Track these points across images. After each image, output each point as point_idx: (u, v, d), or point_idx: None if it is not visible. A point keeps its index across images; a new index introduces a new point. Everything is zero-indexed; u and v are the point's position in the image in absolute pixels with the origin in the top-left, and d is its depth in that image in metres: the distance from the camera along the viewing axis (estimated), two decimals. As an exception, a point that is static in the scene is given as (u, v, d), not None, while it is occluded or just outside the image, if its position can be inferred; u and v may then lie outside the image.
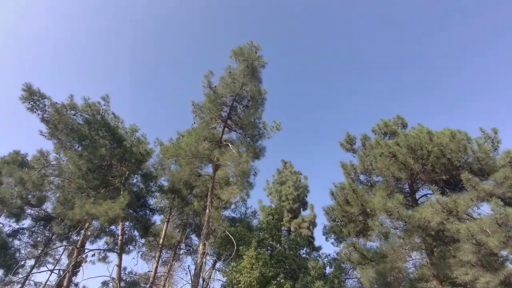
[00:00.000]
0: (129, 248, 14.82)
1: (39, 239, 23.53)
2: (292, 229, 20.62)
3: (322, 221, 24.05)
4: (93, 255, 25.22)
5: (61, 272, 26.02)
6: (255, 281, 11.21)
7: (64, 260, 27.09)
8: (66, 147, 11.35)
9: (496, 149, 13.50)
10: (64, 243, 25.52)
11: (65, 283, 15.00)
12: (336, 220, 15.93)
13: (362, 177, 18.41)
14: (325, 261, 15.27)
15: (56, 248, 23.36)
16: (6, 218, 21.78)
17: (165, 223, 14.55)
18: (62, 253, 25.94)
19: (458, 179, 15.22)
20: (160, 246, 14.22)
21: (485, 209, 13.64)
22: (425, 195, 16.72)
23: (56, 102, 11.50)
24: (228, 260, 11.97)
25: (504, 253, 11.48)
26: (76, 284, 25.55)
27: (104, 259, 18.65)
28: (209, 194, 13.24)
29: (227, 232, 12.29)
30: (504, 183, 11.79)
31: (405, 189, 16.68)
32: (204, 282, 22.75)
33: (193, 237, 24.91)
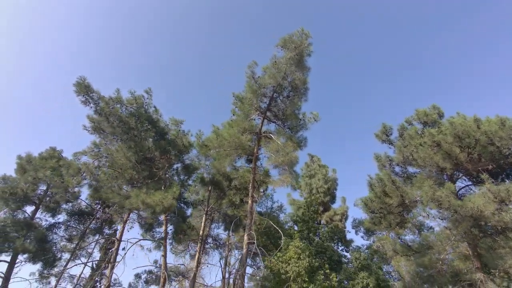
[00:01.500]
0: (172, 240, 15.01)
1: (74, 233, 24.18)
2: (323, 221, 20.47)
3: (351, 214, 23.80)
4: (123, 248, 25.78)
5: (94, 265, 26.72)
6: (303, 271, 11.17)
7: (96, 254, 27.77)
8: (114, 139, 11.55)
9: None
10: (98, 236, 26.17)
11: (108, 273, 15.34)
12: (375, 212, 15.65)
13: (397, 169, 18.07)
14: (367, 253, 15.12)
15: (97, 240, 23.99)
16: (42, 213, 22.49)
17: (204, 215, 14.66)
18: (94, 247, 26.60)
19: (504, 168, 14.79)
20: (200, 237, 14.34)
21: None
22: (467, 186, 16.27)
23: (104, 96, 11.73)
24: (278, 251, 11.94)
25: None
26: (103, 274, 26.20)
27: (149, 250, 19.21)
28: (250, 185, 13.23)
29: (273, 224, 12.27)
30: None
31: (444, 180, 16.25)
32: (238, 273, 22.93)
33: (220, 231, 25.09)
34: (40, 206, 21.71)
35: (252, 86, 12.26)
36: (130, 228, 16.45)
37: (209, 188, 14.25)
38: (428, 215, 13.18)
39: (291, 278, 11.13)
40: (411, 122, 18.06)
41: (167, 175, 12.68)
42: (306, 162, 23.99)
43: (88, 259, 25.81)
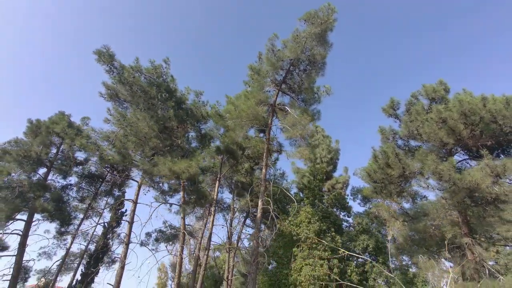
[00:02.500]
0: (189, 204, 15.98)
1: (85, 194, 25.19)
2: (325, 189, 21.71)
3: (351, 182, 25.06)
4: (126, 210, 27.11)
5: (106, 224, 28.16)
6: (313, 234, 12.35)
7: (106, 214, 29.13)
8: (131, 107, 11.82)
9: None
10: (108, 197, 27.28)
11: (126, 231, 16.48)
12: (377, 182, 16.70)
13: (400, 142, 18.90)
14: (368, 218, 16.47)
15: (115, 203, 25.10)
16: (54, 174, 23.21)
17: (217, 181, 15.52)
18: (104, 207, 27.87)
19: (502, 144, 15.68)
20: (215, 201, 15.34)
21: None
22: (464, 160, 17.30)
23: (125, 65, 11.73)
24: (293, 214, 13.00)
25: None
26: (119, 235, 27.84)
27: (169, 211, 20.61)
28: (264, 154, 13.93)
29: (284, 190, 13.21)
30: (558, 149, 12.15)
31: (443, 153, 17.17)
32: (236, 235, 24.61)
33: (224, 195, 26.38)
34: (52, 169, 22.37)
35: (270, 59, 12.37)
36: (147, 192, 17.32)
37: (222, 157, 14.92)
38: (428, 186, 14.23)
39: (302, 239, 12.33)
40: (417, 96, 18.48)
41: (185, 144, 13.18)
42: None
43: (99, 219, 27.14)
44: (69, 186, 23.97)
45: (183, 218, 14.03)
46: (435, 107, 14.53)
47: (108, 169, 25.05)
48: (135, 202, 17.61)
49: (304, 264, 11.81)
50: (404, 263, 15.89)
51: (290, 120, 12.20)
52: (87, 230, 26.18)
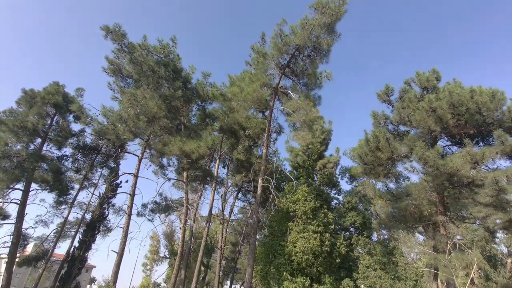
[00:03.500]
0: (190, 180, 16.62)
1: (81, 165, 25.39)
2: (317, 168, 22.92)
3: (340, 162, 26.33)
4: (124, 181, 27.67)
5: (101, 194, 28.71)
6: (309, 210, 13.51)
7: (101, 185, 29.53)
8: (134, 83, 11.94)
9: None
10: (103, 170, 27.58)
11: (128, 203, 17.20)
12: (367, 164, 17.91)
13: (390, 127, 20.00)
14: (356, 197, 17.87)
15: (112, 174, 25.44)
16: (48, 145, 23.15)
17: (217, 158, 16.19)
18: (99, 179, 28.30)
19: (482, 133, 17.00)
20: (216, 178, 16.09)
21: (503, 163, 15.77)
22: (447, 145, 18.68)
23: (134, 43, 11.63)
24: (292, 192, 14.02)
25: (515, 197, 13.88)
26: (113, 205, 28.55)
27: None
28: (266, 136, 14.64)
29: (284, 171, 14.13)
30: (531, 141, 13.48)
31: (428, 139, 18.41)
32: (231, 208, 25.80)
33: (219, 170, 27.31)
34: (47, 139, 22.27)
35: (277, 44, 12.64)
36: (149, 167, 17.81)
37: (223, 135, 15.48)
38: (413, 169, 15.52)
39: (298, 215, 13.49)
40: (410, 83, 19.34)
41: (190, 123, 13.56)
42: (306, 112, 25.38)
43: (95, 189, 27.68)
44: (64, 157, 24.06)
45: (187, 193, 14.79)
46: (427, 96, 15.42)
47: (104, 142, 25.15)
48: (136, 176, 18.17)
49: (299, 237, 13.06)
50: (386, 237, 17.68)
51: (294, 105, 12.77)
52: (83, 200, 26.71)
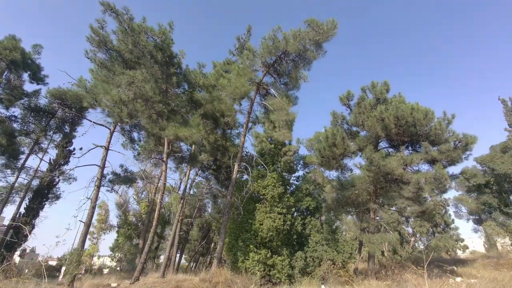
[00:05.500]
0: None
1: (31, 128, 23.55)
2: (281, 155, 25.30)
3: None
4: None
5: (52, 160, 27.20)
6: (276, 195, 15.76)
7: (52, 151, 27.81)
8: (143, 71, 12.02)
9: (447, 126, 19.05)
10: (56, 135, 25.95)
11: (98, 175, 17.28)
12: (324, 157, 20.82)
13: (345, 126, 23.20)
14: (313, 185, 20.78)
15: (65, 140, 24.00)
16: (-6, 103, 20.94)
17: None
18: (49, 144, 26.64)
19: (413, 140, 21.10)
20: (198, 160, 17.05)
21: (424, 167, 20.14)
22: (386, 147, 22.63)
23: (133, 24, 11.40)
24: (267, 179, 15.94)
25: (428, 196, 18.22)
26: (63, 172, 27.35)
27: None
28: (245, 126, 16.14)
29: (258, 158, 15.96)
30: (445, 153, 17.66)
31: (373, 141, 22.05)
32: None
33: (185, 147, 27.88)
34: (-6, 97, 20.16)
35: (269, 46, 13.87)
36: (119, 141, 17.79)
37: (205, 121, 16.45)
38: (360, 166, 18.82)
39: (267, 198, 15.67)
40: (365, 90, 22.53)
41: (179, 108, 14.16)
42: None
43: (44, 155, 26.14)
44: (13, 118, 22.04)
45: (165, 171, 15.62)
46: (379, 107, 18.54)
47: (60, 105, 23.60)
48: (107, 149, 18.12)
49: (266, 217, 15.29)
50: (332, 218, 21.32)
51: (276, 104, 14.38)
52: (31, 165, 24.99)
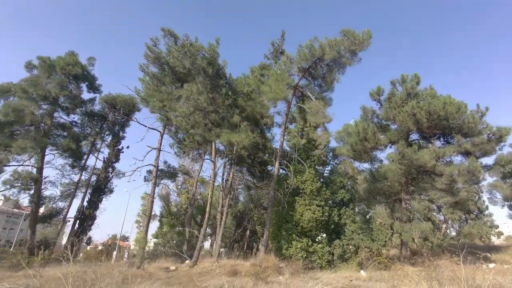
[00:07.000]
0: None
1: (87, 132, 26.47)
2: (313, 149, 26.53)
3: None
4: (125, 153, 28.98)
5: (105, 159, 30.24)
6: (315, 189, 17.29)
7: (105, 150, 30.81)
8: (198, 85, 13.75)
9: (481, 119, 19.33)
10: (109, 136, 28.77)
11: (154, 173, 19.60)
12: (356, 151, 21.91)
13: (375, 120, 23.94)
14: (346, 177, 22.03)
15: (115, 140, 26.83)
16: (59, 112, 23.82)
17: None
18: (101, 145, 29.59)
19: (444, 133, 21.52)
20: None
21: (456, 158, 20.62)
22: (416, 140, 23.17)
23: (189, 43, 13.13)
24: (308, 173, 17.53)
25: (461, 185, 18.85)
26: (114, 167, 30.32)
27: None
28: (283, 127, 17.64)
29: (295, 155, 17.50)
30: (479, 146, 18.15)
31: (404, 134, 22.63)
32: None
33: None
34: (59, 106, 22.97)
35: (305, 53, 15.05)
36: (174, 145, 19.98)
37: (245, 122, 18.11)
38: (392, 160, 19.75)
39: (306, 192, 17.26)
40: (395, 83, 23.01)
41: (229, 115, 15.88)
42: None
43: (98, 154, 29.17)
44: (74, 123, 24.96)
45: (214, 170, 17.61)
46: (410, 103, 19.18)
47: (111, 109, 26.27)
48: (159, 150, 20.41)
49: (306, 209, 16.92)
50: (365, 208, 22.62)
51: (313, 107, 15.66)
52: (90, 164, 28.10)
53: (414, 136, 23.54)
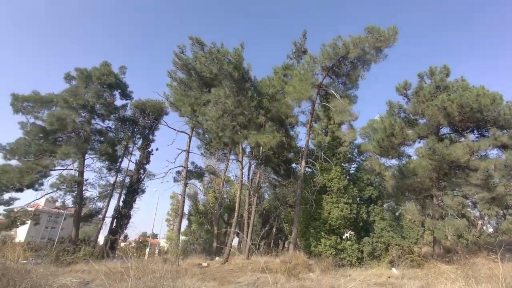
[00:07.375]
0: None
1: (122, 136, 28.03)
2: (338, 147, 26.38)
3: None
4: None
5: (137, 161, 31.77)
6: (342, 187, 17.34)
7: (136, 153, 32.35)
8: (226, 90, 14.35)
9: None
10: (139, 140, 30.26)
11: (184, 175, 20.48)
12: (382, 147, 21.55)
13: (402, 115, 23.35)
14: (373, 174, 21.78)
15: (145, 143, 28.27)
16: (93, 119, 25.41)
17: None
18: (133, 148, 31.06)
19: (478, 126, 20.57)
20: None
21: (492, 151, 19.67)
22: (448, 133, 22.32)
23: (213, 49, 13.82)
24: (333, 172, 17.66)
25: (497, 180, 18.03)
26: (145, 169, 31.79)
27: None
28: (308, 126, 17.81)
29: (321, 154, 17.62)
30: (517, 138, 17.24)
31: (434, 128, 21.85)
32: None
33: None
34: (95, 115, 24.56)
35: (329, 52, 15.09)
36: (202, 147, 20.85)
37: (269, 122, 18.49)
38: (422, 155, 19.25)
39: (334, 190, 17.34)
40: (423, 76, 22.29)
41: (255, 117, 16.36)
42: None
43: (130, 157, 30.69)
44: (108, 129, 26.57)
45: (241, 170, 18.20)
46: (440, 96, 18.54)
47: (141, 114, 27.61)
48: (188, 151, 21.29)
49: (333, 207, 17.01)
50: (394, 205, 22.23)
51: (339, 105, 15.69)
52: (124, 167, 29.75)
53: (444, 130, 22.71)
